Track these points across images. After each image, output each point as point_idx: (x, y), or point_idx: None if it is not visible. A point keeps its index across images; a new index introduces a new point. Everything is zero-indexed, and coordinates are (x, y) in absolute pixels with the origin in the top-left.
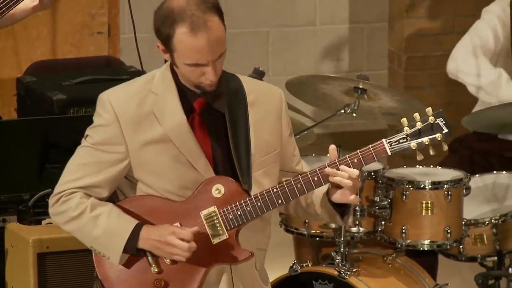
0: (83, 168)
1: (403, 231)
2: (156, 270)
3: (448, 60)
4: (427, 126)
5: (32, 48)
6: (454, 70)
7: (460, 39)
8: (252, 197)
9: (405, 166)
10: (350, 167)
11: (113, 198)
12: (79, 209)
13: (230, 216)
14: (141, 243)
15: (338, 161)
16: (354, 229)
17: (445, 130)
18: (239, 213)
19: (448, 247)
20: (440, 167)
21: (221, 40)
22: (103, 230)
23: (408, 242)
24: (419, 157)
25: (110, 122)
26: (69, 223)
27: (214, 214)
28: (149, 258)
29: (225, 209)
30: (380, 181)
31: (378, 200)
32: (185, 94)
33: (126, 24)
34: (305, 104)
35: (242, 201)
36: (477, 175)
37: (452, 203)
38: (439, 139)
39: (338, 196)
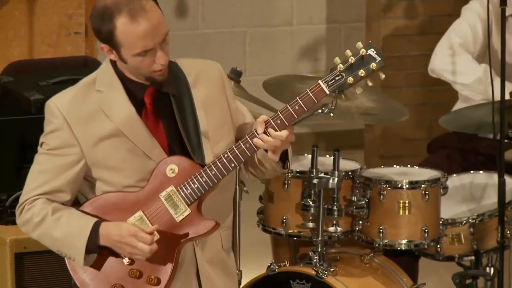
0: (42, 175)
1: (381, 230)
2: (128, 261)
3: (430, 59)
4: (359, 59)
5: (9, 48)
6: (437, 70)
7: (437, 39)
8: (206, 167)
9: (382, 166)
10: (293, 115)
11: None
12: (42, 214)
13: (188, 191)
14: (103, 240)
15: (281, 112)
16: (331, 229)
17: (378, 59)
18: (196, 186)
19: (426, 246)
20: (417, 167)
21: (162, 20)
22: (64, 231)
23: (385, 241)
24: (359, 90)
25: (60, 126)
26: (35, 229)
27: (172, 193)
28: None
29: (182, 185)
30: (358, 181)
31: (355, 199)
32: (131, 88)
33: None
34: (282, 104)
35: (197, 174)
36: (455, 175)
37: (429, 202)
38: (373, 68)
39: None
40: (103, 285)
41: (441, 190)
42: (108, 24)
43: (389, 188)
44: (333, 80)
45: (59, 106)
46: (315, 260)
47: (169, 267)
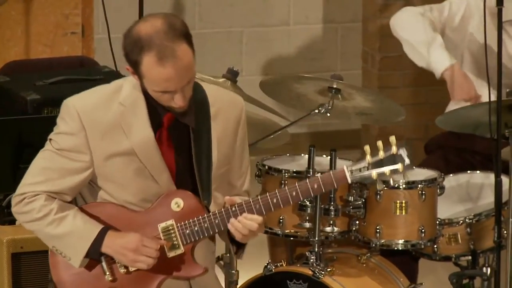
0: (47, 172)
1: (377, 230)
2: (110, 278)
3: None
4: (389, 157)
5: (5, 48)
6: (392, 23)
7: None
8: (211, 214)
9: None
10: (309, 192)
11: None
12: (43, 211)
13: (187, 231)
14: (105, 248)
15: (298, 184)
16: (328, 229)
17: (407, 162)
18: (196, 229)
19: (422, 246)
20: (414, 167)
21: (190, 67)
22: (67, 230)
23: (382, 241)
24: (379, 186)
25: (76, 131)
26: (32, 223)
27: (171, 228)
28: (104, 265)
29: (182, 223)
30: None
31: (352, 199)
32: (154, 108)
33: (100, 24)
34: (279, 104)
35: (200, 217)
36: (451, 175)
37: (426, 202)
38: (400, 170)
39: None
40: None
41: (438, 190)
42: (136, 55)
43: (385, 188)
44: (358, 170)
45: (79, 110)
46: (312, 260)
47: None
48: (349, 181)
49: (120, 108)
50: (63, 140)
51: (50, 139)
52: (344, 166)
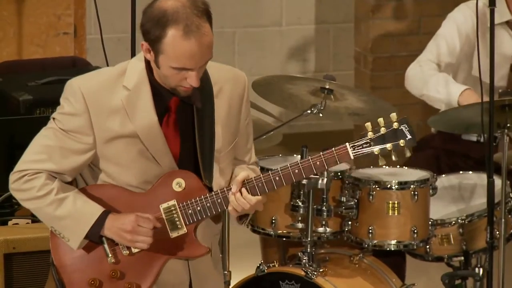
0: (49, 151)
1: (370, 231)
2: (112, 260)
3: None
4: (391, 132)
5: None
6: (406, 85)
7: (426, 39)
8: (213, 193)
9: (371, 167)
10: (312, 169)
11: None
12: (44, 190)
13: (190, 211)
14: (106, 231)
15: (301, 162)
16: (321, 229)
17: (409, 137)
18: (198, 208)
19: (415, 247)
20: (406, 167)
21: (211, 46)
22: (67, 213)
23: (374, 242)
24: (381, 162)
25: (80, 113)
26: (32, 201)
27: (173, 208)
28: (107, 248)
29: (184, 203)
30: (347, 181)
31: (344, 200)
32: (159, 93)
33: (93, 24)
34: (271, 105)
35: (203, 197)
36: (444, 175)
37: (418, 203)
38: (402, 145)
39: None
40: (81, 274)
41: (430, 191)
42: (160, 30)
43: (378, 189)
44: (360, 147)
45: (84, 91)
46: (304, 260)
47: (151, 277)
48: (352, 157)
49: (124, 92)
50: (67, 121)
51: (54, 118)
52: (347, 143)
